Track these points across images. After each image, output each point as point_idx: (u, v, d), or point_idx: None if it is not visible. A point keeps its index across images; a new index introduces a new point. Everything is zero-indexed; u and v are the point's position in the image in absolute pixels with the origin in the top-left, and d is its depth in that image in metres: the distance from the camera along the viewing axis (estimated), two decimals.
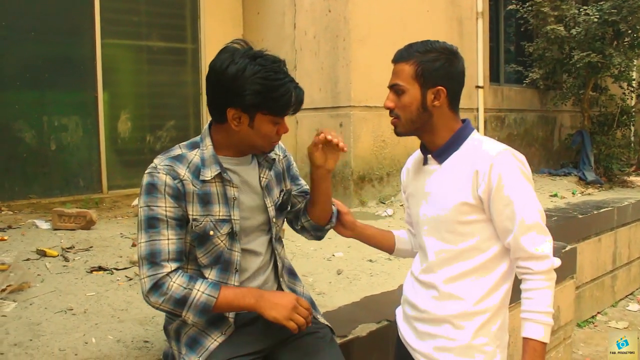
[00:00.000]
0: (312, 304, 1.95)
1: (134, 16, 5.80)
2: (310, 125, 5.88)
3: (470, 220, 1.59)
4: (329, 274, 3.17)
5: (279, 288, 1.89)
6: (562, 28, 6.49)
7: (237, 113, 1.61)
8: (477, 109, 6.76)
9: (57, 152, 5.29)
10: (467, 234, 1.60)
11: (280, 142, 1.85)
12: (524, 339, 1.53)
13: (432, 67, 1.60)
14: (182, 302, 1.57)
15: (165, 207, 1.60)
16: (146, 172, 1.65)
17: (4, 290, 2.61)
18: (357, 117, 5.46)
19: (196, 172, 1.65)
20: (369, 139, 5.54)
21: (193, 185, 1.64)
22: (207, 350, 1.66)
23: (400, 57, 1.65)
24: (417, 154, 1.80)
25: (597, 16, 6.13)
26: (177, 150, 1.69)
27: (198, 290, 1.57)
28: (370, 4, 5.52)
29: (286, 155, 1.94)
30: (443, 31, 6.23)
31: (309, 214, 1.91)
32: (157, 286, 1.56)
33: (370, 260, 3.47)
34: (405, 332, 1.78)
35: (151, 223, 1.60)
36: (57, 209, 4.05)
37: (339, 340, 2.17)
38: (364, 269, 3.29)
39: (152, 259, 1.57)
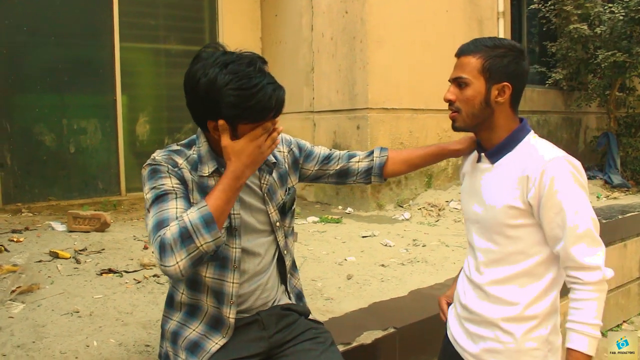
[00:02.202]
0: (301, 296, 1.93)
1: (152, 20, 5.86)
2: (327, 128, 5.84)
3: (518, 224, 1.55)
4: (339, 278, 3.12)
5: (286, 293, 1.87)
6: (585, 27, 6.32)
7: (216, 125, 1.54)
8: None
9: (76, 155, 5.36)
10: (514, 237, 1.56)
11: (284, 134, 1.81)
12: (568, 349, 1.48)
13: (499, 62, 1.56)
14: (185, 235, 1.41)
15: (172, 184, 1.55)
16: (145, 164, 1.62)
17: (13, 291, 2.63)
18: (375, 120, 5.41)
19: (194, 167, 1.63)
20: (386, 141, 5.47)
21: (191, 174, 1.61)
22: (209, 353, 1.63)
23: (466, 50, 1.61)
24: (471, 154, 1.79)
25: (623, 13, 5.94)
26: (174, 147, 1.67)
27: (187, 214, 1.44)
28: (387, 5, 5.46)
29: (291, 149, 1.89)
30: (462, 31, 6.13)
31: (394, 170, 1.94)
32: (163, 247, 1.41)
33: (383, 265, 3.41)
34: (456, 331, 1.75)
35: (159, 198, 1.51)
36: (72, 211, 4.09)
37: (341, 348, 2.12)
38: (375, 274, 3.23)
39: (159, 227, 1.45)
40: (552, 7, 6.81)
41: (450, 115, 1.65)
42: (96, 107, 5.52)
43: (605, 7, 6.29)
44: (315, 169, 1.94)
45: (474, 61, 1.56)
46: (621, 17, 5.99)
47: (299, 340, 1.75)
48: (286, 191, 1.82)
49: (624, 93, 7.41)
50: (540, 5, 6.91)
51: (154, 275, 2.99)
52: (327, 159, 1.96)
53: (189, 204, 1.56)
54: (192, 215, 1.44)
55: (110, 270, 3.06)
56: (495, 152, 1.61)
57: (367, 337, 2.25)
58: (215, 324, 1.67)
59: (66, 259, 3.26)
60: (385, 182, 2.01)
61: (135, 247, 3.59)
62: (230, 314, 1.66)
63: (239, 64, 1.51)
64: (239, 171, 1.51)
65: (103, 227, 3.97)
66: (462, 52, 1.62)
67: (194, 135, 1.71)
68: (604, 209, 5.56)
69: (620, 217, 5.13)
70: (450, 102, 1.62)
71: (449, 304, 1.89)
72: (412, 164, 1.98)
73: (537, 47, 8.12)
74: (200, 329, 1.66)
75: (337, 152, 1.99)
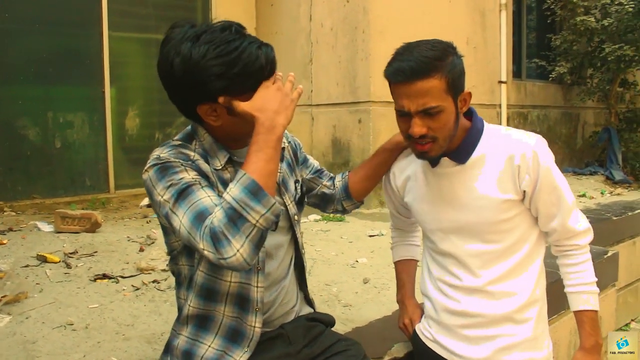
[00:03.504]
0: (312, 303, 1.73)
1: (142, 8, 5.56)
2: (327, 122, 5.62)
3: (512, 215, 1.51)
4: (354, 282, 2.90)
5: (305, 297, 1.69)
6: (592, 19, 6.16)
7: (209, 108, 1.33)
8: (500, 105, 6.44)
9: (62, 150, 5.05)
10: (510, 229, 1.53)
11: None
12: (580, 312, 1.57)
13: (456, 73, 1.43)
14: (234, 216, 1.19)
15: (191, 176, 1.31)
16: (147, 167, 1.35)
17: None
18: (377, 113, 5.19)
19: (205, 160, 1.40)
20: (388, 136, 5.08)
21: (209, 166, 1.39)
22: None
23: (420, 72, 1.37)
24: (414, 157, 1.60)
25: (632, 5, 5.79)
26: (173, 142, 1.42)
27: (228, 192, 1.23)
28: None
29: (289, 141, 1.69)
30: (465, 23, 5.95)
31: (359, 189, 1.76)
32: (216, 238, 1.19)
33: None
34: (451, 344, 1.61)
35: (183, 193, 1.28)
36: (60, 210, 3.81)
37: None
38: (391, 277, 2.98)
39: (201, 219, 1.23)
40: None
41: (422, 148, 1.44)
42: (83, 100, 5.20)
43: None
44: (308, 177, 1.75)
45: (437, 83, 1.38)
46: (630, 9, 5.83)
47: (329, 354, 1.56)
48: (296, 182, 1.63)
49: (624, 88, 7.29)
50: None
51: (153, 281, 2.74)
52: (320, 172, 1.78)
53: (218, 194, 1.32)
54: (234, 191, 1.21)
55: (104, 276, 2.80)
56: (461, 152, 1.51)
57: (399, 351, 2.03)
58: (234, 336, 1.44)
59: (55, 263, 2.99)
60: (360, 204, 1.81)
61: (130, 249, 3.33)
62: (256, 323, 1.44)
63: (211, 32, 1.31)
64: (269, 120, 1.28)
65: (94, 227, 3.70)
66: (413, 76, 1.37)
67: (188, 128, 1.47)
68: (611, 206, 5.43)
69: (629, 214, 4.99)
70: (422, 136, 1.41)
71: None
72: (372, 176, 1.77)
73: (535, 40, 7.97)
74: (217, 344, 1.43)
75: (325, 170, 1.82)
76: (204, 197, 1.27)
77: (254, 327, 1.44)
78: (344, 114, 5.42)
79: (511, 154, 1.47)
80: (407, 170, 1.67)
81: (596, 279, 1.57)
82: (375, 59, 5.13)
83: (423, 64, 1.37)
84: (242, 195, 1.20)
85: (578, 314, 1.58)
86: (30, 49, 4.86)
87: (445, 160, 1.54)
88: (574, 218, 1.54)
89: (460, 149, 1.51)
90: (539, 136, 1.51)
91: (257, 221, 1.21)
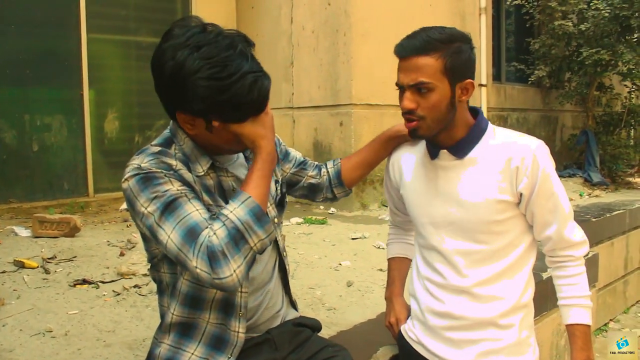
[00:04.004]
0: (295, 305, 1.71)
1: (121, 10, 5.49)
2: (308, 125, 5.61)
3: (505, 217, 1.49)
4: (338, 285, 2.88)
5: (290, 302, 1.67)
6: (570, 24, 6.24)
7: (188, 118, 1.30)
8: (480, 108, 6.49)
9: (40, 154, 4.96)
10: (501, 232, 1.51)
11: None
12: (572, 325, 1.54)
13: (459, 59, 1.43)
14: (237, 237, 1.19)
15: (176, 187, 1.27)
16: (127, 176, 1.30)
17: None
18: (358, 116, 5.19)
19: (187, 167, 1.35)
20: (370, 138, 5.22)
21: (191, 174, 1.35)
22: None
23: (419, 49, 1.41)
24: (415, 147, 1.65)
25: (608, 10, 5.88)
26: (153, 149, 1.36)
27: (231, 211, 1.21)
28: None
29: None
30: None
31: (352, 176, 1.76)
32: (213, 256, 1.17)
33: (381, 270, 3.19)
34: (434, 346, 1.60)
35: (169, 206, 1.24)
36: (38, 214, 3.74)
37: None
38: (375, 279, 3.01)
39: (193, 236, 1.20)
40: (536, 3, 6.72)
41: (410, 125, 1.47)
42: (61, 102, 5.11)
43: (591, 4, 6.22)
44: (291, 172, 1.72)
45: (433, 62, 1.41)
46: (606, 14, 5.93)
47: None
48: (276, 183, 1.60)
49: (601, 92, 7.40)
50: (523, 1, 6.80)
51: (134, 286, 2.69)
52: (304, 164, 1.76)
53: (205, 206, 1.29)
54: (239, 212, 1.20)
55: (84, 281, 2.74)
56: (461, 147, 1.51)
57: (384, 354, 2.02)
58: (218, 343, 1.41)
59: (33, 268, 2.93)
60: (350, 192, 1.81)
61: (111, 253, 3.28)
62: (239, 328, 1.41)
63: (215, 46, 1.24)
64: (273, 151, 1.31)
65: (73, 231, 3.63)
66: (412, 51, 1.42)
67: (166, 131, 1.42)
68: (590, 207, 5.50)
69: (608, 215, 5.06)
70: (410, 111, 1.44)
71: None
72: (364, 164, 1.78)
73: (514, 44, 8.06)
74: (200, 352, 1.40)
75: (309, 160, 1.80)
76: (193, 211, 1.24)
77: (238, 332, 1.41)
78: (326, 117, 5.41)
79: (511, 155, 1.46)
80: (406, 160, 1.66)
81: (590, 293, 1.54)
82: (356, 62, 5.14)
83: (424, 42, 1.41)
84: (247, 218, 1.20)
85: (570, 327, 1.55)
86: (5, 50, 4.76)
87: (444, 153, 1.53)
88: (570, 228, 1.52)
89: (460, 143, 1.51)
90: (542, 142, 1.50)
91: (255, 244, 1.21)
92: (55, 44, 5.06)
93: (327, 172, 1.77)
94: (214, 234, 1.19)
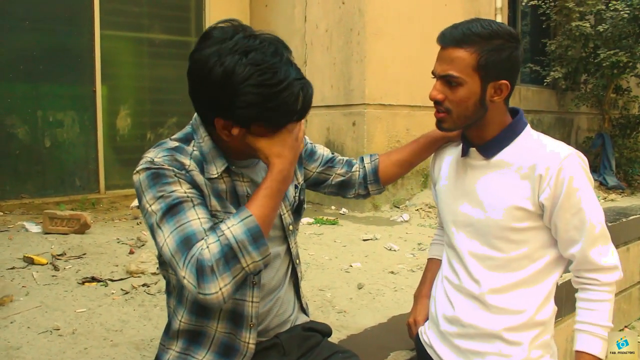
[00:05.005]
0: (306, 309, 1.65)
1: (135, 7, 5.49)
2: (320, 124, 5.57)
3: (524, 227, 1.42)
4: (349, 288, 2.84)
5: (301, 308, 1.61)
6: (587, 25, 6.13)
7: (227, 124, 1.25)
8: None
9: (52, 150, 4.97)
10: (518, 241, 1.43)
11: None
12: (578, 352, 1.42)
13: (497, 57, 1.36)
14: (229, 255, 1.15)
15: (184, 190, 1.24)
16: (139, 168, 1.27)
17: None
18: (371, 116, 5.14)
19: (201, 168, 1.31)
20: (382, 139, 5.22)
21: (203, 176, 1.31)
22: None
23: (456, 41, 1.37)
24: (457, 147, 1.60)
25: (628, 11, 5.77)
26: (170, 143, 1.33)
27: (228, 227, 1.17)
28: None
29: None
30: None
31: (389, 174, 1.72)
32: (201, 270, 1.14)
33: (392, 272, 3.15)
34: (442, 351, 1.57)
35: (172, 209, 1.21)
36: (48, 211, 3.73)
37: None
38: (386, 282, 2.96)
39: (187, 245, 1.17)
40: (553, 3, 6.61)
41: (437, 115, 1.44)
42: (74, 99, 5.12)
43: (610, 5, 6.11)
44: (318, 170, 1.67)
45: (466, 56, 1.36)
46: (625, 15, 5.81)
47: None
48: (295, 188, 1.55)
49: (618, 94, 7.28)
50: (540, 2, 6.70)
51: (143, 285, 2.67)
52: (331, 161, 1.70)
53: (209, 212, 1.26)
54: (236, 229, 1.16)
55: (93, 279, 2.73)
56: (489, 147, 1.46)
57: (396, 359, 1.98)
58: (227, 351, 1.37)
59: (43, 265, 2.92)
60: (383, 190, 1.76)
61: (120, 251, 3.26)
62: (250, 339, 1.37)
63: (262, 52, 1.20)
64: (286, 171, 1.25)
65: (83, 228, 3.62)
66: (450, 42, 1.38)
67: (188, 127, 1.39)
68: (606, 211, 5.41)
69: (624, 220, 4.97)
70: (438, 102, 1.40)
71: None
72: (405, 163, 1.74)
73: (529, 45, 7.96)
74: (209, 359, 1.37)
75: (339, 156, 1.74)
76: (194, 218, 1.20)
77: (248, 343, 1.37)
78: (338, 117, 5.37)
79: (536, 162, 1.38)
80: (445, 158, 1.64)
81: (611, 325, 1.41)
82: (370, 61, 5.09)
83: (461, 34, 1.37)
84: (243, 237, 1.16)
85: (577, 354, 1.43)
86: (19, 46, 4.77)
87: (473, 151, 1.49)
88: (598, 249, 1.39)
89: (490, 143, 1.46)
90: (576, 152, 1.40)
91: (248, 265, 1.17)
92: (69, 41, 5.07)
93: (363, 167, 1.73)
94: (207, 247, 1.15)
